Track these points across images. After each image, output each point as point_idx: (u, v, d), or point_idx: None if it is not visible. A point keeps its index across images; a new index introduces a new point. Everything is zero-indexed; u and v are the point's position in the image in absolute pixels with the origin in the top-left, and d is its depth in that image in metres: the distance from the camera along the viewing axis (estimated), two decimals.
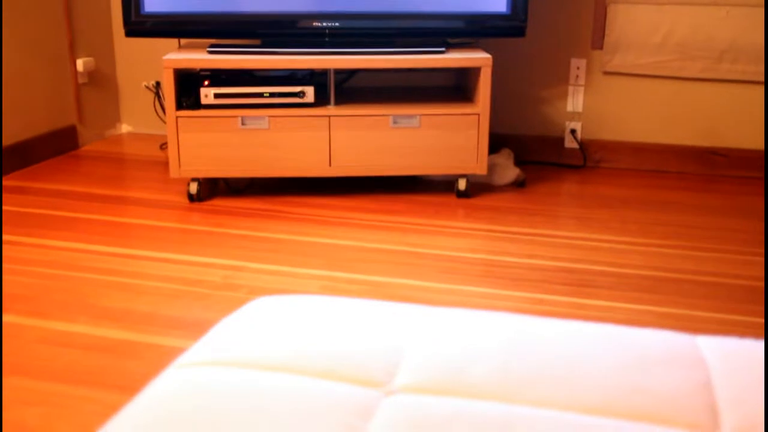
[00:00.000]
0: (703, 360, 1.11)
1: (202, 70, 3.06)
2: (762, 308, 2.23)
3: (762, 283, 2.39)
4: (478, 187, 3.22)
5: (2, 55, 3.30)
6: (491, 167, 3.22)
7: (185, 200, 3.06)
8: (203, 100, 2.97)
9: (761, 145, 3.46)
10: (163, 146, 3.78)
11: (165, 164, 3.52)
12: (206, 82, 2.98)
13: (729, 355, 1.12)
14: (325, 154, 3.02)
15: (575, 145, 3.60)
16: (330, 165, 3.03)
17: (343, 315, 1.21)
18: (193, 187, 3.03)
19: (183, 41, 3.40)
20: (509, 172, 3.24)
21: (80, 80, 3.75)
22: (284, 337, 1.14)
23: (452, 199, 3.10)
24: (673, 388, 1.04)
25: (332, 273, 2.43)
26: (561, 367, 1.08)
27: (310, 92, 3.00)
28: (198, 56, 2.98)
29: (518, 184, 2.97)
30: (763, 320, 2.16)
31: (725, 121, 3.48)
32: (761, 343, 1.16)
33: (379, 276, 2.41)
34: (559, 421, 0.96)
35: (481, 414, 0.97)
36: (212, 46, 3.06)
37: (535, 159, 3.61)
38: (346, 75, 3.49)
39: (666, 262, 2.54)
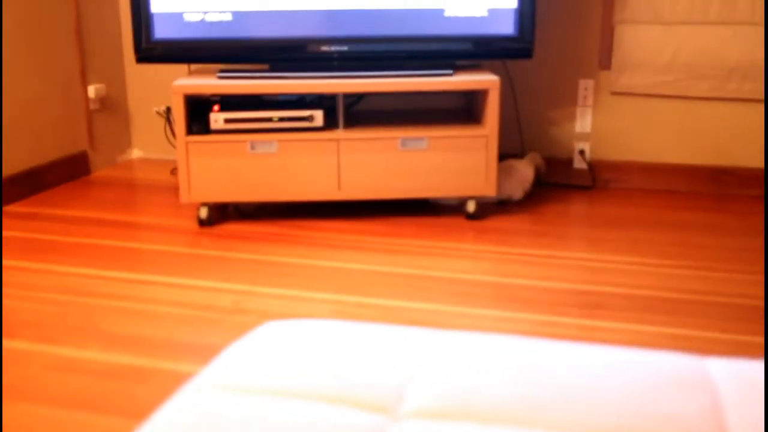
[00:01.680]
0: (712, 382, 1.11)
1: (212, 95, 3.08)
2: None
3: None
4: (488, 209, 3.22)
5: (2, 70, 3.34)
6: (508, 171, 3.29)
7: (195, 225, 3.07)
8: (213, 125, 2.99)
9: None
10: (174, 171, 3.81)
11: (175, 189, 3.54)
12: (216, 108, 3.00)
13: (738, 378, 1.12)
14: (334, 177, 3.03)
15: (584, 166, 3.60)
16: (339, 188, 3.04)
17: (352, 340, 1.21)
18: (204, 212, 3.04)
19: (193, 67, 3.43)
20: (525, 172, 3.29)
21: (92, 106, 3.78)
22: (292, 362, 1.14)
23: (462, 222, 3.11)
24: (683, 411, 1.03)
25: (342, 297, 2.43)
26: (571, 391, 1.08)
27: (318, 116, 3.01)
28: (208, 82, 3.00)
29: (540, 182, 3.01)
30: None
31: (733, 140, 3.48)
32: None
33: (389, 300, 2.41)
34: None
35: None
36: (222, 71, 3.08)
37: (544, 180, 3.62)
38: (354, 98, 3.51)
39: (677, 282, 2.53)
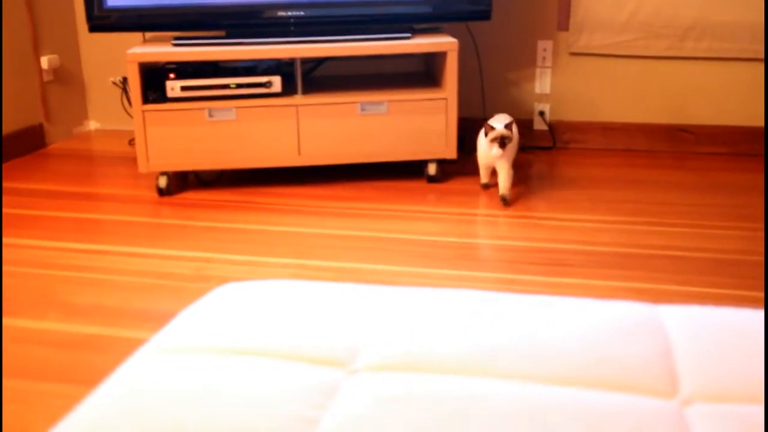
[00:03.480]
0: (663, 328, 1.13)
1: (167, 63, 3.04)
2: (730, 280, 2.25)
3: (730, 256, 2.41)
4: (449, 172, 3.23)
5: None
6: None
7: (155, 194, 3.04)
8: (169, 94, 2.95)
9: (727, 122, 3.49)
10: (132, 142, 3.75)
11: (134, 160, 3.49)
12: (172, 75, 2.96)
13: (689, 323, 1.14)
14: (293, 143, 3.01)
15: (544, 127, 3.62)
16: (299, 154, 3.03)
17: (307, 298, 1.21)
18: (163, 181, 3.01)
19: (148, 35, 3.37)
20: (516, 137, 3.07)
21: (45, 78, 3.71)
22: (247, 322, 1.14)
23: (423, 184, 3.11)
24: (634, 356, 1.05)
25: (303, 261, 2.43)
26: (524, 340, 1.09)
27: (276, 82, 2.99)
28: (163, 49, 2.96)
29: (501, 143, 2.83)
30: (729, 291, 2.18)
31: (691, 98, 3.51)
32: (720, 310, 1.17)
33: (351, 263, 2.41)
34: (521, 392, 0.97)
35: (443, 388, 0.98)
36: (177, 38, 3.04)
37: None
38: (313, 64, 3.48)
39: (635, 238, 2.56)
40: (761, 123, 3.46)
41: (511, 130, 2.86)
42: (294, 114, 2.99)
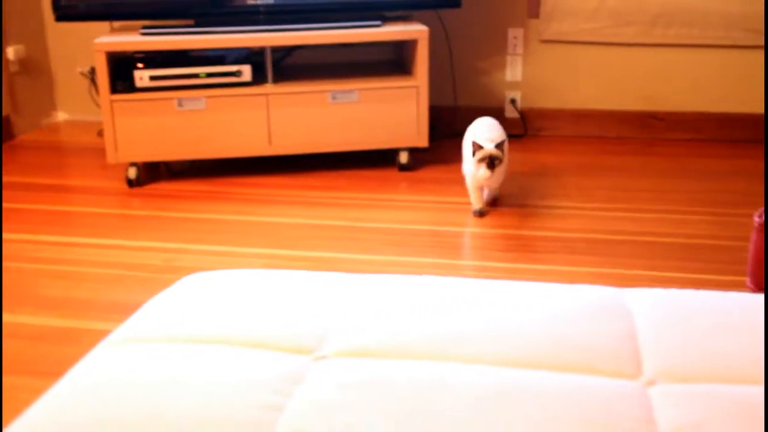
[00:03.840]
0: (628, 311, 1.14)
1: (135, 52, 3.01)
2: (698, 264, 2.28)
3: (699, 240, 2.43)
4: (421, 160, 3.23)
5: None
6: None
7: (124, 186, 3.01)
8: (138, 83, 2.92)
9: (697, 108, 3.51)
10: (101, 133, 3.71)
11: (103, 151, 3.45)
12: (140, 65, 2.93)
13: (653, 305, 1.15)
14: (264, 132, 3.00)
15: (515, 115, 3.63)
16: (270, 143, 3.01)
17: (274, 287, 1.21)
18: (132, 172, 2.99)
19: (115, 24, 3.34)
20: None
21: (12, 69, 3.66)
22: (214, 311, 1.13)
23: (395, 173, 3.11)
24: (599, 339, 1.06)
25: (275, 251, 2.42)
26: (490, 325, 1.09)
27: (246, 71, 2.97)
28: (131, 39, 2.93)
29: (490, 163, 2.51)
30: (697, 276, 2.20)
31: (661, 84, 3.53)
32: (683, 292, 1.18)
33: (322, 252, 2.41)
34: (486, 376, 0.97)
35: (409, 374, 0.98)
36: (145, 27, 3.01)
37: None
38: (283, 53, 3.46)
39: (606, 224, 2.57)
40: (730, 109, 3.49)
41: (502, 149, 2.57)
42: (264, 103, 2.97)
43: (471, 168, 2.60)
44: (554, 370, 0.99)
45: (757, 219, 1.50)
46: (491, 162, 2.53)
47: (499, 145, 2.56)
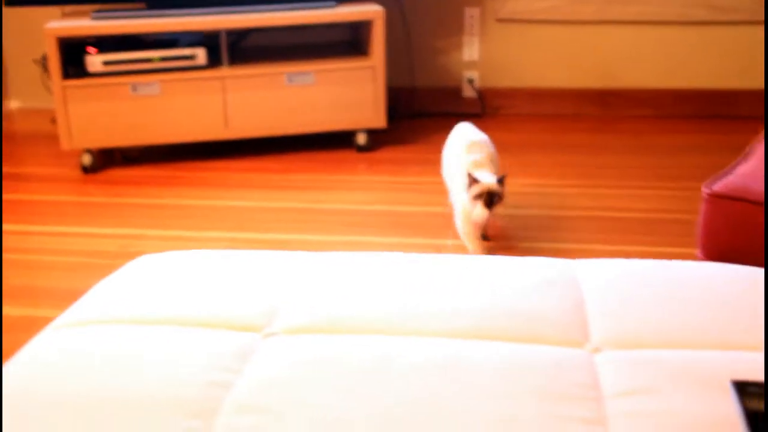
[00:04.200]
0: (577, 281, 1.15)
1: (87, 36, 2.96)
2: (653, 238, 2.30)
3: (655, 215, 2.46)
4: (379, 141, 3.22)
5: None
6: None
7: (79, 172, 2.97)
8: (90, 69, 2.88)
9: (653, 85, 3.54)
10: (54, 120, 3.66)
11: (57, 138, 3.40)
12: (93, 50, 2.89)
13: (602, 275, 1.16)
14: (220, 116, 2.97)
15: (473, 94, 3.63)
16: (226, 127, 2.99)
17: (224, 266, 1.20)
18: (87, 159, 2.95)
19: (67, 9, 3.28)
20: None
21: None
22: (162, 292, 1.12)
23: (353, 154, 3.10)
24: (547, 309, 1.06)
25: (234, 234, 2.41)
26: (440, 299, 1.09)
27: (201, 54, 2.94)
28: (82, 23, 2.88)
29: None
30: (652, 248, 2.23)
31: (619, 62, 3.55)
32: (630, 262, 1.20)
33: (282, 234, 2.40)
34: (435, 348, 0.98)
35: (358, 349, 0.98)
36: (97, 11, 2.96)
37: (434, 110, 3.63)
38: (238, 36, 3.43)
39: (564, 200, 2.59)
40: (687, 85, 3.52)
41: (503, 184, 2.08)
42: (220, 86, 2.94)
43: (466, 207, 2.11)
44: (502, 341, 1.00)
45: (705, 190, 1.52)
46: (490, 199, 2.04)
47: (500, 180, 2.07)
